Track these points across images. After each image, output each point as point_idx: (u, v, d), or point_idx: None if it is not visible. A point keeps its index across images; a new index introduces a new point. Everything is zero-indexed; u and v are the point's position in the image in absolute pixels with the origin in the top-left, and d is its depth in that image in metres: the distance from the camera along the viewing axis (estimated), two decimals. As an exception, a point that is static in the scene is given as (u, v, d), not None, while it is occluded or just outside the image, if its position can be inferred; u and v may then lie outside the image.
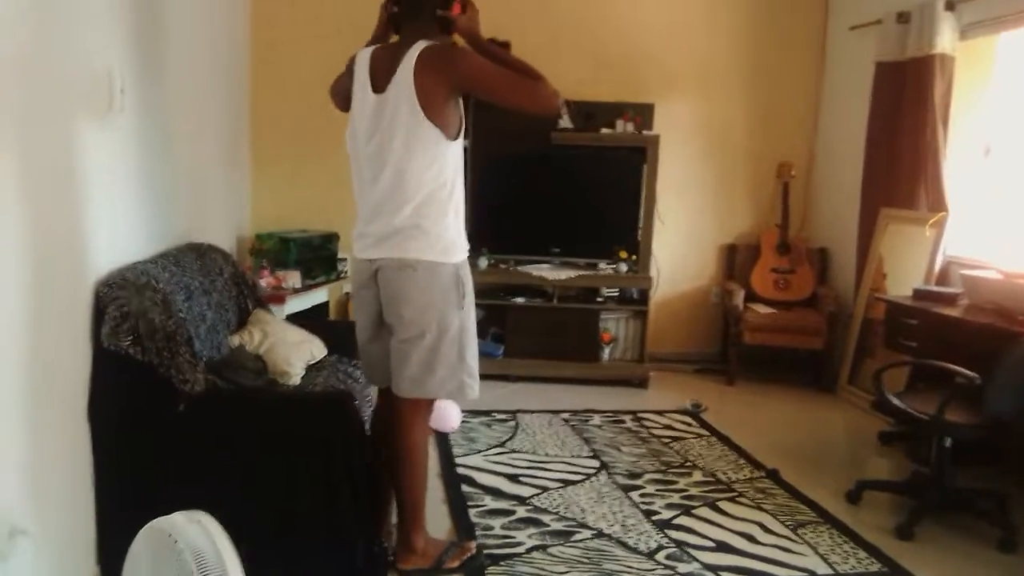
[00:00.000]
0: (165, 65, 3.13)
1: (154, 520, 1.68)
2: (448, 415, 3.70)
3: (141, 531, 1.68)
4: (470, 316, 2.48)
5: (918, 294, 3.84)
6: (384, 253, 2.39)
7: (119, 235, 2.62)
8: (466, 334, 2.46)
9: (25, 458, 2.00)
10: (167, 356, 2.36)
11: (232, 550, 1.62)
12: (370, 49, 2.45)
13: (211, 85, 4.00)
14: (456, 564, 2.60)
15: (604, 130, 4.94)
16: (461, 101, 2.39)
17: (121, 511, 2.36)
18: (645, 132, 4.96)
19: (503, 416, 4.19)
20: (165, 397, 2.34)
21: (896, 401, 3.10)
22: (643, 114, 5.02)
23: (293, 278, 4.28)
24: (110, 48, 2.52)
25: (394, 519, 2.69)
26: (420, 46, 2.30)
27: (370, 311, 2.51)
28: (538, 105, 2.33)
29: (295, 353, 3.17)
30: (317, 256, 4.67)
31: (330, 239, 4.86)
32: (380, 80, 2.36)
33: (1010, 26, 3.98)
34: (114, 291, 2.35)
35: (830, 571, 2.70)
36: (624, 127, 4.94)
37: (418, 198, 2.34)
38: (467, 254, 2.47)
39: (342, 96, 2.58)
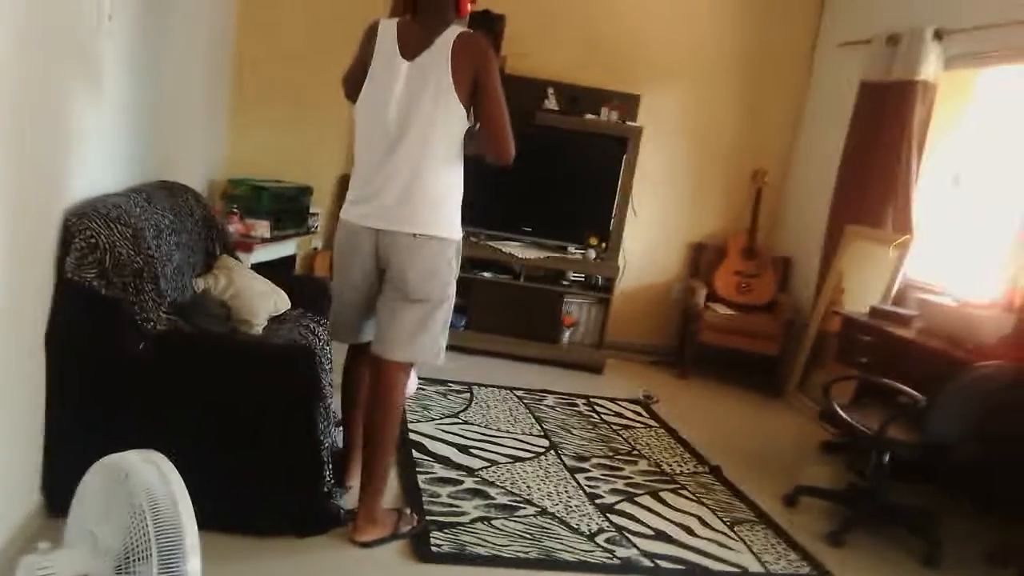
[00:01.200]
0: (155, -4, 3.06)
1: (107, 456, 1.67)
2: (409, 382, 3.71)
3: (93, 466, 1.67)
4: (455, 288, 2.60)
5: (875, 312, 3.93)
6: (395, 225, 2.43)
7: (92, 164, 2.57)
8: (451, 303, 2.59)
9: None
10: (132, 292, 2.33)
11: (185, 492, 1.62)
12: (394, 20, 2.47)
13: (197, 21, 3.92)
14: (407, 531, 2.64)
15: (588, 116, 4.95)
16: None
17: (71, 443, 2.33)
18: (629, 123, 4.99)
19: (459, 387, 4.21)
20: (126, 334, 2.32)
21: (842, 414, 3.19)
22: (628, 104, 5.04)
23: (263, 227, 4.24)
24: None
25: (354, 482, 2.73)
26: (457, 29, 2.39)
27: (359, 273, 2.54)
28: (502, 151, 2.47)
29: (260, 303, 3.14)
30: (289, 208, 4.62)
31: (304, 192, 4.81)
32: (409, 49, 2.40)
33: (992, 63, 4.07)
34: (83, 222, 2.31)
35: (762, 570, 2.79)
36: (608, 115, 4.96)
37: (439, 171, 2.43)
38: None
39: (354, 80, 2.54)
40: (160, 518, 1.56)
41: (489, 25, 3.75)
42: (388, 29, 2.44)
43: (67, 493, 1.73)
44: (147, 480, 1.60)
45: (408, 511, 2.72)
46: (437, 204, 2.45)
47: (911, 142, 4.28)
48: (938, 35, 4.23)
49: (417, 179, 2.40)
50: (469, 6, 2.49)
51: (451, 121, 2.39)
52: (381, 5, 4.94)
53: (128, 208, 2.55)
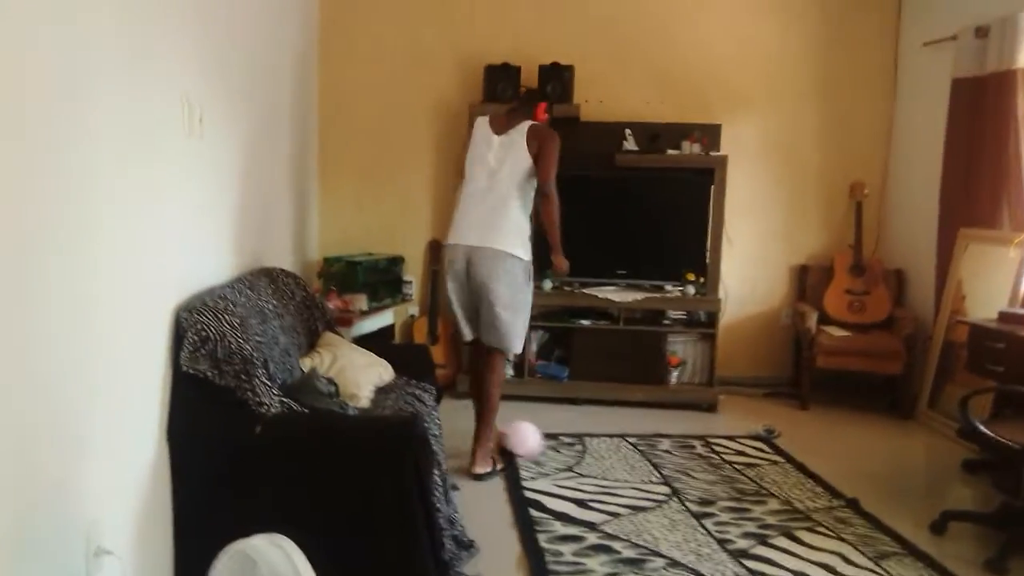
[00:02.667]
0: (239, 95, 3.21)
1: (234, 543, 1.70)
2: (527, 439, 3.82)
3: (222, 553, 1.70)
4: (531, 297, 3.62)
5: (1004, 317, 3.68)
6: (487, 243, 3.44)
7: (197, 260, 2.68)
8: (528, 308, 3.60)
9: (109, 479, 2.05)
10: (244, 379, 2.40)
11: (312, 575, 1.62)
12: (485, 117, 3.68)
13: (281, 112, 4.10)
14: (501, 468, 3.66)
15: (670, 151, 4.89)
16: None
17: (198, 531, 2.40)
18: (712, 153, 4.90)
19: (569, 440, 4.14)
20: (241, 419, 2.38)
21: (984, 429, 2.96)
22: (710, 135, 4.95)
23: (360, 301, 4.33)
24: (188, 76, 2.60)
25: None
26: (529, 123, 3.60)
27: (462, 283, 3.54)
28: (545, 179, 3.53)
29: (364, 375, 3.19)
30: (383, 279, 4.73)
31: (395, 262, 4.92)
32: (500, 128, 3.60)
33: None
34: (193, 316, 2.40)
35: (918, 607, 2.59)
36: (690, 148, 4.88)
37: (515, 208, 3.51)
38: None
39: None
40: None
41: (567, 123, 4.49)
42: (483, 123, 3.65)
43: (199, 582, 1.77)
44: (275, 565, 1.61)
45: (497, 456, 3.72)
46: (518, 233, 3.50)
47: (1018, 133, 4.05)
48: (1032, 19, 4.02)
49: (506, 210, 3.49)
50: (543, 116, 3.69)
51: (526, 174, 3.53)
52: (444, 84, 5.13)
53: (233, 298, 2.65)
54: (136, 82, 2.16)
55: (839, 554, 2.94)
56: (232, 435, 2.37)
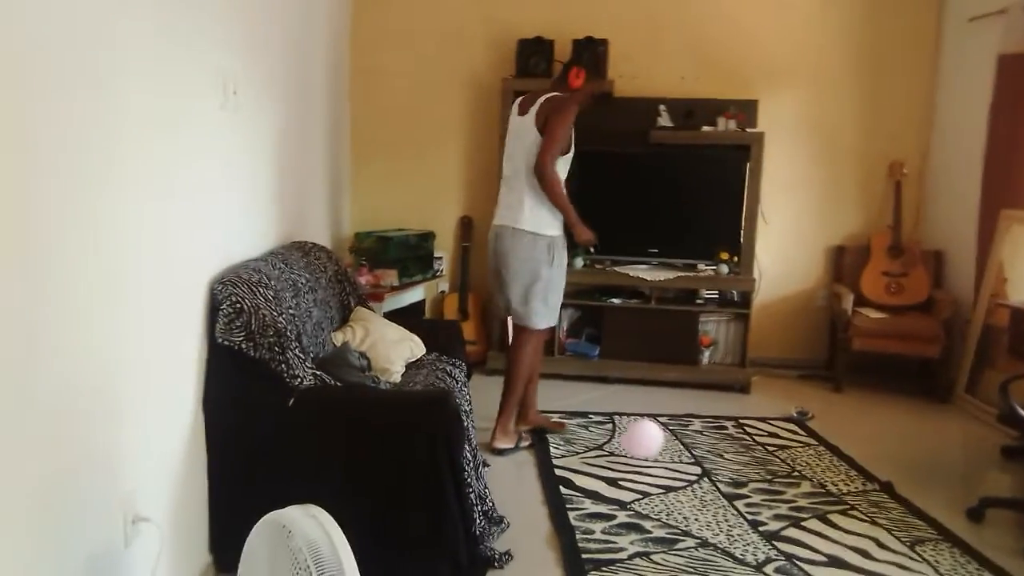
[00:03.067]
0: (273, 68, 3.20)
1: (270, 513, 1.70)
2: (644, 441, 3.59)
3: (258, 524, 1.70)
4: (558, 274, 3.58)
5: (1048, 300, 3.59)
6: (506, 221, 3.52)
7: (231, 233, 2.69)
8: (552, 284, 3.56)
9: (146, 448, 2.07)
10: (277, 351, 2.40)
11: (346, 545, 1.63)
12: (520, 99, 3.65)
13: (314, 86, 4.09)
14: (524, 446, 3.67)
15: (705, 128, 4.81)
16: (573, 129, 3.52)
17: (232, 501, 2.42)
18: (749, 130, 4.81)
19: (600, 418, 4.12)
20: (275, 391, 2.39)
21: (1027, 414, 2.90)
22: (746, 111, 4.86)
23: (391, 276, 4.33)
24: (223, 50, 2.59)
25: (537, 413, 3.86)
26: (546, 96, 3.52)
27: (492, 261, 3.61)
28: (542, 167, 3.41)
29: (395, 351, 3.19)
30: (414, 255, 4.72)
31: (426, 238, 4.90)
32: (524, 108, 3.55)
33: None
34: (228, 288, 2.41)
35: (954, 593, 2.55)
36: (726, 125, 4.80)
37: (528, 186, 3.47)
38: (559, 232, 3.56)
39: None
40: (325, 572, 1.57)
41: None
42: (516, 104, 3.63)
43: (234, 550, 1.78)
44: (309, 535, 1.62)
45: (524, 432, 3.74)
46: (528, 209, 3.48)
47: (1067, 112, 3.93)
48: (1085, -9, 3.88)
49: (516, 191, 3.51)
50: (577, 82, 3.53)
51: (531, 150, 3.45)
52: (476, 59, 5.09)
53: (267, 271, 2.65)
54: (167, 54, 2.16)
55: (873, 538, 2.90)
56: (266, 406, 2.38)
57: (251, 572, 1.71)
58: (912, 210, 5.14)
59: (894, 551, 2.81)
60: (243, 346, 2.38)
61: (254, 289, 2.46)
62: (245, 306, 2.39)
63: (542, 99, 3.49)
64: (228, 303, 2.38)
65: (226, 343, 2.38)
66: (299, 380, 2.42)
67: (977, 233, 4.57)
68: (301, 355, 2.48)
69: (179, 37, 2.22)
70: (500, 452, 3.58)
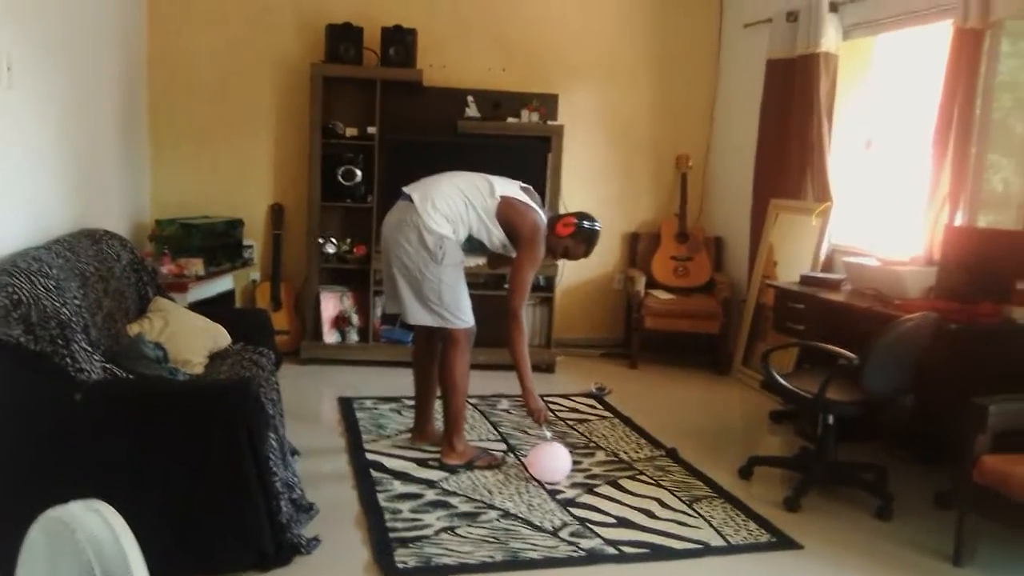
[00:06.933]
0: (53, 43, 3.01)
1: (48, 511, 1.64)
2: (549, 464, 3.36)
3: (37, 521, 1.64)
4: (448, 273, 3.29)
5: (805, 280, 4.05)
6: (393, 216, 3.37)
7: (8, 220, 2.53)
8: (443, 284, 3.29)
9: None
10: (61, 344, 2.30)
11: (133, 540, 1.60)
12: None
13: (103, 65, 3.86)
14: (484, 466, 3.38)
15: (510, 119, 5.00)
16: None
17: (16, 501, 2.28)
18: (550, 122, 5.05)
19: (412, 402, 4.20)
20: (60, 387, 2.28)
21: (782, 380, 3.28)
22: (547, 104, 5.10)
23: (195, 265, 4.19)
24: (-4, 25, 2.42)
25: (439, 427, 3.59)
26: (536, 207, 3.50)
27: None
28: (513, 313, 3.49)
29: (197, 341, 3.12)
30: (221, 243, 4.58)
31: (235, 225, 4.77)
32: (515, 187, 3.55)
33: (887, 28, 4.25)
34: (3, 278, 2.27)
35: (723, 543, 2.85)
36: (529, 117, 5.02)
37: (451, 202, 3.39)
38: (452, 235, 3.30)
39: None
40: (109, 566, 1.54)
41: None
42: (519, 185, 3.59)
43: (9, 550, 1.70)
44: (92, 531, 1.57)
45: (491, 452, 3.50)
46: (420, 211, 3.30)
47: (820, 113, 4.44)
48: (833, 7, 4.40)
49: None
50: (564, 231, 3.44)
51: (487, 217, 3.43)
52: (285, 44, 4.99)
53: (49, 260, 2.52)
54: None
55: (657, 499, 3.18)
56: (50, 402, 2.27)
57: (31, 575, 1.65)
58: (696, 199, 5.61)
59: (675, 509, 3.10)
60: (22, 340, 2.25)
61: (33, 279, 2.33)
62: (23, 297, 2.26)
63: (527, 206, 3.42)
64: (4, 293, 2.24)
65: (3, 337, 2.24)
66: (86, 374, 2.33)
67: (750, 220, 5.06)
68: (88, 348, 2.38)
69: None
70: (447, 468, 3.35)
